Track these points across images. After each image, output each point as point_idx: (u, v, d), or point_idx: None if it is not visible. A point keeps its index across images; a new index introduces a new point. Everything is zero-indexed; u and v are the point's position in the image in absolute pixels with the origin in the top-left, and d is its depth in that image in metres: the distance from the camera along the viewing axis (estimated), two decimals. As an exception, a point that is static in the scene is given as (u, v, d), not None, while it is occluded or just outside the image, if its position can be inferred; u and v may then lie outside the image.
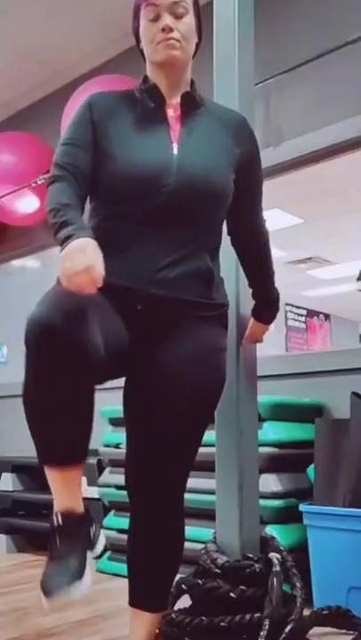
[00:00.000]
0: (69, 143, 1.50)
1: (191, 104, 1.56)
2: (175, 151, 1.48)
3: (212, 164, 1.51)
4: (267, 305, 1.76)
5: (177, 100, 1.55)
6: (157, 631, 1.58)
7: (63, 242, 1.28)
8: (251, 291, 1.76)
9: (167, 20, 1.48)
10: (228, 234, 1.69)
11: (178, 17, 1.49)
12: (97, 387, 1.32)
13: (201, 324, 1.51)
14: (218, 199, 1.52)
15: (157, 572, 1.54)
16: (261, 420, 2.31)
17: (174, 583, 1.67)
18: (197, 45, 1.58)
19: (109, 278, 1.27)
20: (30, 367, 1.28)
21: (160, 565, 1.53)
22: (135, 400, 1.54)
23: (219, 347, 1.55)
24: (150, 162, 1.46)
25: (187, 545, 2.23)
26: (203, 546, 1.71)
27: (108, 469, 2.87)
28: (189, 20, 1.52)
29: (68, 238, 1.27)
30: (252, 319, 1.78)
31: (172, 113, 1.54)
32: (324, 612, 1.77)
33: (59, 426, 1.28)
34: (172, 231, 1.46)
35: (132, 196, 1.45)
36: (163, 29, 1.48)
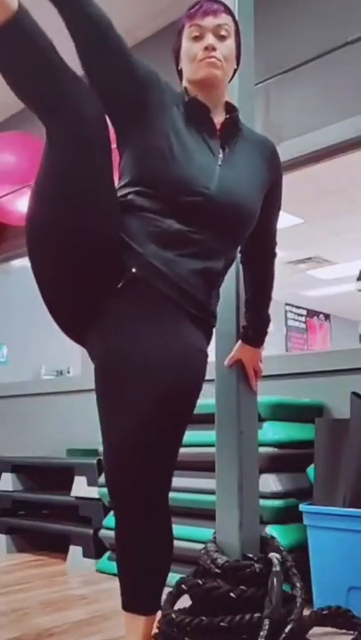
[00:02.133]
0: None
1: (233, 129, 1.59)
2: (220, 162, 1.52)
3: (249, 188, 1.56)
4: (262, 324, 1.78)
5: (216, 120, 1.57)
6: (157, 631, 1.58)
7: None
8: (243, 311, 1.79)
9: (210, 39, 1.53)
10: (240, 250, 1.73)
11: (220, 38, 1.54)
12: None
13: (188, 321, 1.47)
14: (246, 220, 1.57)
15: (146, 575, 1.49)
16: (261, 419, 2.31)
17: (175, 583, 1.67)
18: (234, 71, 1.63)
19: (120, 232, 1.39)
20: None
21: (148, 567, 1.48)
22: (106, 389, 1.45)
23: (200, 347, 1.49)
24: (197, 164, 1.48)
25: (187, 545, 2.25)
26: (203, 546, 1.71)
27: (108, 469, 2.87)
28: (230, 43, 1.57)
29: None
30: (239, 343, 1.78)
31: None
32: (324, 612, 1.77)
33: None
34: (197, 231, 1.47)
35: (171, 188, 1.46)
36: (206, 48, 1.52)
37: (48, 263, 1.46)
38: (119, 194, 1.48)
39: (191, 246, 1.46)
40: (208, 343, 1.57)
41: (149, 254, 1.42)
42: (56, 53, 1.32)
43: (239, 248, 1.70)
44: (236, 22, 1.60)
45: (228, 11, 1.58)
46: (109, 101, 1.44)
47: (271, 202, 1.68)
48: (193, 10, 1.56)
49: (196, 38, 1.54)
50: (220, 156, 1.54)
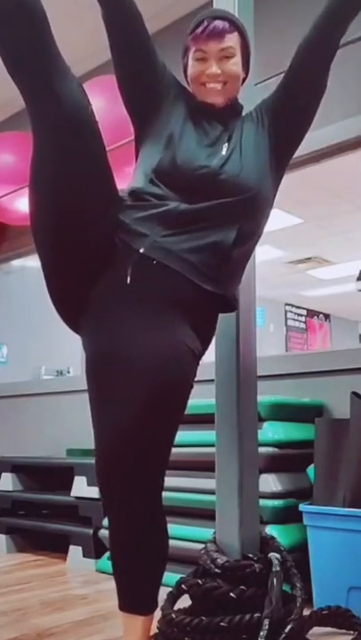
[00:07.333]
0: None
1: (233, 114, 1.64)
2: (224, 150, 1.54)
3: (254, 165, 1.55)
4: None
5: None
6: (157, 630, 1.58)
7: None
8: None
9: (214, 67, 1.55)
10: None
11: (225, 59, 1.56)
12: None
13: (185, 319, 1.45)
14: (250, 192, 1.52)
15: (142, 574, 1.48)
16: (261, 419, 2.32)
17: (175, 583, 1.67)
18: (244, 79, 1.66)
19: (132, 217, 1.44)
20: None
21: (143, 567, 1.48)
22: (99, 384, 1.46)
23: (190, 346, 1.46)
24: (200, 147, 1.53)
25: (187, 545, 2.24)
26: (203, 546, 1.71)
27: (108, 469, 2.87)
28: (236, 60, 1.58)
29: None
30: None
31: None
32: (324, 612, 1.77)
33: None
34: (202, 208, 1.47)
35: (174, 171, 1.49)
36: (208, 76, 1.56)
37: (52, 248, 1.48)
38: (134, 186, 1.52)
39: (197, 223, 1.47)
40: (211, 335, 1.57)
41: (155, 235, 1.44)
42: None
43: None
44: (243, 36, 1.59)
45: (234, 26, 1.57)
46: (130, 89, 1.61)
47: (300, 94, 1.74)
48: (198, 30, 1.56)
49: (201, 60, 1.56)
50: (226, 145, 1.56)
